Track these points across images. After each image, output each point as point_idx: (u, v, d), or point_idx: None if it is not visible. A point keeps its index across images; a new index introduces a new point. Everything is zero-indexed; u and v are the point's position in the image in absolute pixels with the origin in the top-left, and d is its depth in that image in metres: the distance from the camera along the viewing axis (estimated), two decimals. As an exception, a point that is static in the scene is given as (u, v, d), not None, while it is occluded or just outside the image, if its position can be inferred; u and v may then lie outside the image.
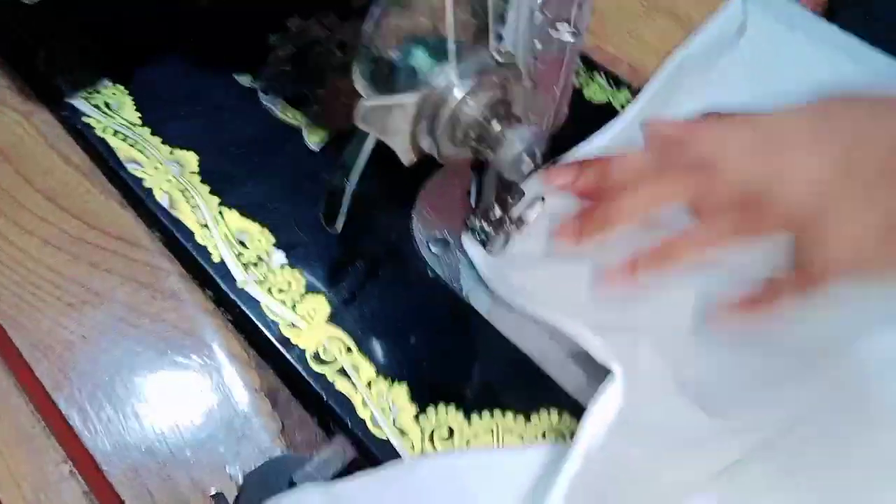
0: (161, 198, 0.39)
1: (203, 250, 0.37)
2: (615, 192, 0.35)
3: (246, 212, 0.39)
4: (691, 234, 0.34)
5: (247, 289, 0.36)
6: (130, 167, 0.40)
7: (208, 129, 0.42)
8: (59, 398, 0.35)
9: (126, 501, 0.32)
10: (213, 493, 0.32)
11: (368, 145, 0.30)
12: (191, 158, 0.41)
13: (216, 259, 0.37)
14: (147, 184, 0.40)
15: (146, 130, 0.41)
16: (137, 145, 0.41)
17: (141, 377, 0.35)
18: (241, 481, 0.32)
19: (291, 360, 0.34)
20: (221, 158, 0.41)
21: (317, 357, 0.34)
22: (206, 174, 0.40)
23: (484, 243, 0.36)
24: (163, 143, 0.41)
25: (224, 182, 0.40)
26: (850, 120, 0.34)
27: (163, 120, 0.42)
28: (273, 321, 0.35)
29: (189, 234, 0.38)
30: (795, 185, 0.34)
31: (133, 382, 0.35)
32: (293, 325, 0.35)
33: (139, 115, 0.42)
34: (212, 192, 0.39)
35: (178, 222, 0.38)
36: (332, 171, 0.31)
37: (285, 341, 0.35)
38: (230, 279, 0.36)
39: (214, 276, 0.37)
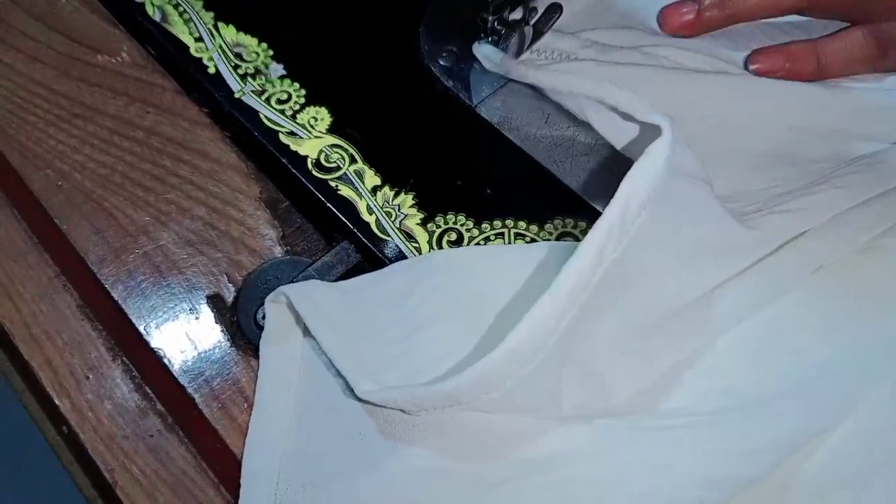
0: (153, 12, 0.37)
1: (198, 62, 0.35)
2: None
3: (243, 25, 0.36)
4: None
5: (244, 99, 0.34)
6: (121, -17, 0.38)
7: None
8: (51, 208, 0.33)
9: (124, 307, 0.31)
10: (209, 294, 0.31)
11: None
12: (184, -26, 0.38)
13: (212, 71, 0.35)
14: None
15: (136, -54, 0.39)
16: (128, -38, 0.39)
17: (134, 186, 0.33)
18: (240, 285, 0.31)
19: (291, 168, 0.33)
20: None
21: (318, 164, 0.33)
22: (201, -11, 0.38)
23: (496, 44, 0.34)
24: (154, -40, 0.39)
25: (220, -4, 0.38)
26: None
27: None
28: (271, 130, 0.33)
29: (183, 47, 0.36)
30: None
31: (126, 191, 0.33)
32: (293, 133, 0.33)
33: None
34: (206, 6, 0.37)
35: (171, 36, 0.36)
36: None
37: (285, 149, 0.33)
38: (226, 90, 0.34)
39: (210, 87, 0.34)
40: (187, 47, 0.36)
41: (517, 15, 0.34)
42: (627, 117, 0.26)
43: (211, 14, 0.37)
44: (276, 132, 0.33)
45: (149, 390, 0.31)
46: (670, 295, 0.25)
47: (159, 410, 0.31)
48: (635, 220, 0.23)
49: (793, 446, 0.24)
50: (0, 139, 0.34)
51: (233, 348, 0.30)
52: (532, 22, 0.34)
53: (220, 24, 0.36)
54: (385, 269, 0.29)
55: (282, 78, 0.35)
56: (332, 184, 0.32)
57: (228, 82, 0.35)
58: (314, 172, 0.32)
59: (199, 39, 0.36)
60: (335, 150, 0.33)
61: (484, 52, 0.34)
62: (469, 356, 0.25)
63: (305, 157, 0.33)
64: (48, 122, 0.35)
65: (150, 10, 0.37)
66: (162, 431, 0.30)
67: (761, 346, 0.26)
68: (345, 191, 0.32)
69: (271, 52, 0.36)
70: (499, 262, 0.28)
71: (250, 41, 0.36)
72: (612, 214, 0.22)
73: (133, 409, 0.31)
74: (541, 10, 0.35)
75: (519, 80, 0.32)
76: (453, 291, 0.28)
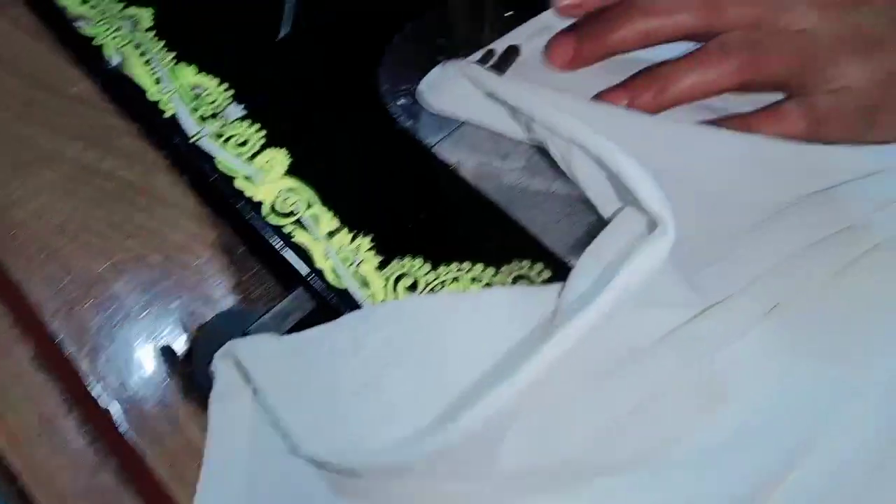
0: (111, 56, 0.36)
1: (155, 105, 0.35)
2: (624, 7, 0.32)
3: (203, 67, 0.36)
4: (693, 65, 0.32)
5: (200, 143, 0.34)
6: (79, 25, 0.38)
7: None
8: (6, 258, 0.33)
9: (72, 358, 0.31)
10: (162, 346, 0.30)
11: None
12: (145, 14, 0.38)
13: (169, 114, 0.35)
14: (97, 42, 0.37)
15: (96, -14, 0.39)
16: (88, 1, 0.38)
17: (90, 234, 0.33)
18: (194, 335, 0.31)
19: (247, 214, 0.32)
20: (177, 12, 0.38)
21: (274, 209, 0.32)
22: (162, 29, 0.37)
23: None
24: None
25: (180, 37, 0.37)
26: None
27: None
28: (228, 174, 0.33)
29: (141, 90, 0.35)
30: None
31: (82, 239, 0.33)
32: (249, 178, 0.33)
33: (89, -29, 0.39)
34: (167, 47, 0.37)
35: (128, 79, 0.36)
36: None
37: (240, 194, 0.32)
38: (183, 134, 0.34)
39: (167, 131, 0.34)
40: (145, 91, 0.35)
41: (476, 58, 0.34)
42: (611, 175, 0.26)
43: (172, 55, 0.36)
44: (232, 177, 0.33)
45: (102, 446, 0.30)
46: (617, 345, 0.24)
47: (112, 467, 0.30)
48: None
49: (744, 500, 0.24)
50: (-44, 187, 0.34)
51: (186, 403, 0.30)
52: (488, 65, 0.33)
53: (181, 65, 0.36)
54: (335, 322, 0.28)
55: (241, 119, 0.34)
56: (288, 230, 0.32)
57: (186, 125, 0.34)
58: (269, 218, 0.32)
59: (158, 81, 0.36)
60: (292, 193, 0.33)
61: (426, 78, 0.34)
62: (418, 421, 0.24)
63: (261, 203, 0.32)
64: (4, 167, 0.35)
65: (108, 51, 0.37)
66: (114, 489, 0.29)
67: (710, 393, 0.25)
68: (301, 236, 0.31)
69: (231, 93, 0.35)
70: (451, 314, 0.27)
71: (210, 82, 0.36)
72: (601, 306, 0.22)
73: (86, 466, 0.30)
74: (498, 53, 0.35)
75: (508, 102, 0.30)
76: (402, 346, 0.27)
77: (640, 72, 0.32)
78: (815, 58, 0.31)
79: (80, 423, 0.31)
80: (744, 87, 0.32)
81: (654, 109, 0.32)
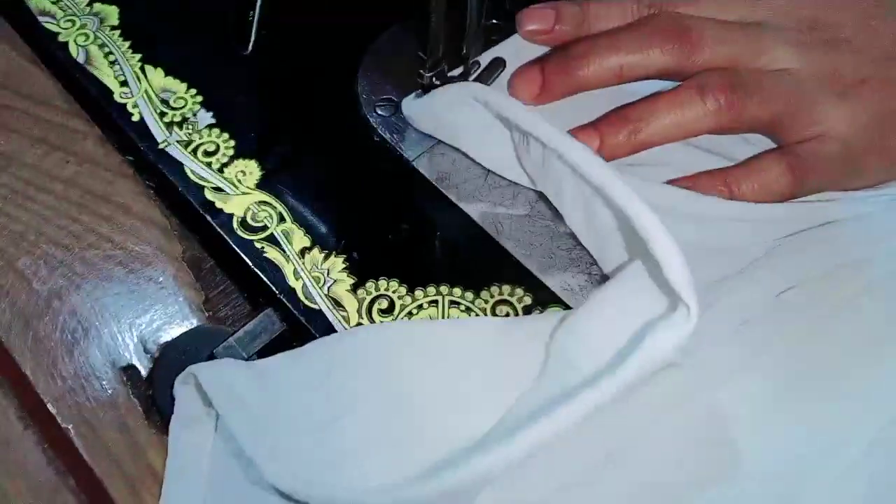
0: (77, 53, 0.35)
1: (121, 109, 0.33)
2: (594, 42, 0.31)
3: (171, 70, 0.35)
4: (669, 106, 0.31)
5: (168, 150, 0.32)
6: (43, 20, 0.36)
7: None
8: (-41, 267, 0.31)
9: (29, 375, 0.29)
10: (123, 365, 0.29)
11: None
12: (111, 12, 0.36)
13: (136, 118, 0.33)
14: (62, 38, 0.35)
15: (61, -20, 0.37)
16: (52, -3, 0.36)
17: (49, 244, 0.31)
18: (156, 355, 0.30)
19: (216, 227, 0.31)
20: (145, 13, 0.36)
21: (244, 223, 0.31)
22: (128, 29, 0.36)
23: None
24: (81, -5, 0.37)
25: (148, 38, 0.35)
26: None
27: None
28: (196, 184, 0.32)
29: (106, 92, 0.34)
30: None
31: (40, 249, 0.31)
32: (219, 189, 0.32)
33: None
34: (133, 48, 0.35)
35: (94, 79, 0.34)
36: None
37: (209, 206, 0.31)
38: (150, 139, 0.33)
39: (133, 136, 0.33)
40: (111, 92, 0.34)
41: (457, 71, 0.32)
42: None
43: (138, 56, 0.35)
44: (202, 187, 0.32)
45: (61, 465, 0.29)
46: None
47: (72, 487, 0.29)
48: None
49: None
50: None
51: (147, 427, 0.28)
52: (472, 77, 0.32)
53: (148, 68, 0.35)
54: (304, 348, 0.27)
55: (210, 127, 0.33)
56: (259, 245, 0.30)
57: (153, 131, 0.33)
58: (239, 232, 0.31)
59: (125, 83, 0.34)
60: (263, 207, 0.31)
61: (407, 102, 0.33)
62: (387, 460, 0.23)
63: (231, 216, 0.31)
64: (-40, 172, 0.33)
65: (73, 50, 0.35)
66: (72, 512, 0.28)
67: (701, 439, 0.25)
68: (271, 253, 0.30)
69: (200, 99, 0.34)
70: (423, 345, 0.26)
71: (179, 86, 0.34)
72: (610, 387, 0.22)
73: (46, 484, 0.29)
74: (483, 65, 0.34)
75: (521, 126, 0.28)
76: (371, 381, 0.26)
77: (613, 110, 0.31)
78: (796, 100, 0.29)
79: (39, 441, 0.29)
80: (723, 130, 0.31)
81: (627, 151, 0.31)
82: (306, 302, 0.29)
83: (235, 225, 0.31)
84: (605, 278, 0.30)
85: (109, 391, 0.29)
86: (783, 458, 0.24)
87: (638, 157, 0.31)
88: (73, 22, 0.36)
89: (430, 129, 0.32)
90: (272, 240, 0.31)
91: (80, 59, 0.35)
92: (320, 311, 0.29)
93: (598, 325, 0.26)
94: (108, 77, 0.34)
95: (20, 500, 0.28)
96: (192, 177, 0.32)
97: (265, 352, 0.29)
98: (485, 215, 0.31)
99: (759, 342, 0.26)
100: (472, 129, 0.30)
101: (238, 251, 0.30)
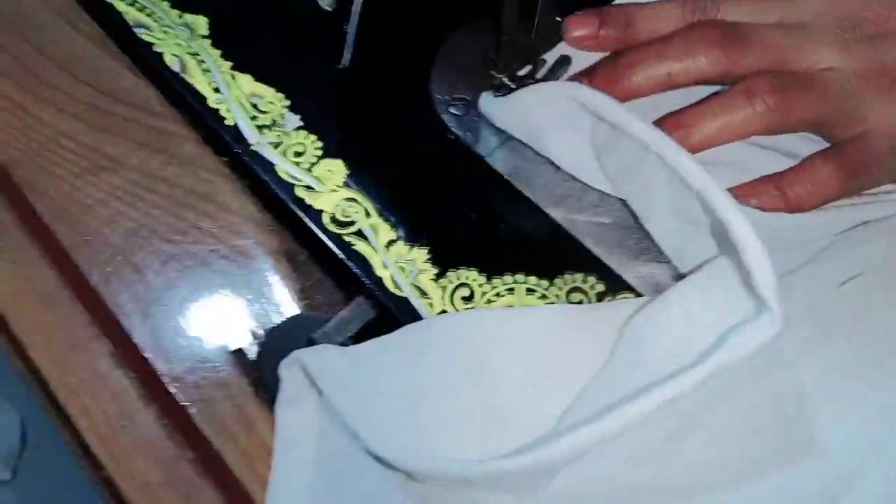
0: (172, 62, 0.38)
1: (215, 113, 0.36)
2: (641, 51, 0.33)
3: (259, 75, 0.37)
4: (719, 109, 0.32)
5: (261, 151, 0.35)
6: (140, 32, 0.39)
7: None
8: (81, 262, 0.35)
9: (149, 359, 0.33)
10: (233, 349, 0.32)
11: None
12: (200, 22, 0.39)
13: (229, 122, 0.36)
14: (157, 48, 0.38)
15: (154, -7, 0.40)
16: (146, 10, 0.39)
17: (160, 240, 0.35)
18: (262, 339, 0.33)
19: (308, 222, 0.34)
20: (232, 21, 0.39)
21: (334, 219, 0.34)
22: (217, 37, 0.38)
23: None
24: (171, 6, 0.39)
25: (236, 45, 0.38)
26: None
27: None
28: (288, 183, 0.34)
29: (201, 98, 0.37)
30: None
31: (152, 245, 0.35)
32: (309, 187, 0.34)
33: (146, -23, 0.40)
34: (223, 55, 0.38)
35: (189, 86, 0.37)
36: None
37: (301, 203, 0.34)
38: (244, 142, 0.35)
39: (227, 139, 0.36)
40: (205, 98, 0.37)
41: (526, 70, 0.34)
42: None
43: (229, 63, 0.38)
44: (293, 185, 0.34)
45: (180, 438, 0.33)
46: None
47: (190, 458, 0.33)
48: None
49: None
50: (31, 193, 0.36)
51: (258, 404, 0.32)
52: (539, 76, 0.34)
53: (237, 74, 0.37)
54: (394, 335, 0.30)
55: (298, 129, 0.36)
56: (348, 239, 0.33)
57: (245, 133, 0.36)
58: (330, 227, 0.33)
59: (217, 90, 0.37)
60: (350, 203, 0.34)
61: (484, 101, 0.35)
62: (478, 433, 0.26)
63: (321, 212, 0.34)
64: (76, 175, 0.36)
65: (168, 59, 0.38)
66: (194, 480, 0.32)
67: (768, 414, 0.27)
68: (360, 246, 0.33)
69: (287, 103, 0.37)
70: (503, 328, 0.29)
71: (267, 91, 0.37)
72: (689, 379, 0.24)
73: (166, 456, 0.33)
74: (549, 63, 0.35)
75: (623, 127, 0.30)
76: (457, 360, 0.29)
77: (666, 115, 0.33)
78: (842, 98, 0.30)
79: (159, 417, 0.33)
80: (772, 131, 0.32)
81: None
82: (394, 290, 0.32)
83: (326, 220, 0.34)
84: (674, 268, 0.32)
85: (222, 372, 0.32)
86: (855, 437, 0.26)
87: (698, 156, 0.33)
88: (167, 32, 0.39)
89: (510, 126, 0.34)
90: (360, 234, 0.33)
91: (176, 68, 0.37)
92: (407, 298, 0.32)
93: (679, 317, 0.28)
94: (202, 84, 0.37)
95: (144, 469, 0.32)
96: (283, 176, 0.35)
97: (359, 337, 0.32)
98: (556, 206, 0.34)
99: (827, 326, 0.27)
100: (552, 128, 0.32)
101: (329, 245, 0.33)
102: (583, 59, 0.36)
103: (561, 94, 0.31)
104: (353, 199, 0.34)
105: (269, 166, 0.35)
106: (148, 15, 0.39)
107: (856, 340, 0.28)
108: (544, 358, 0.30)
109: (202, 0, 0.39)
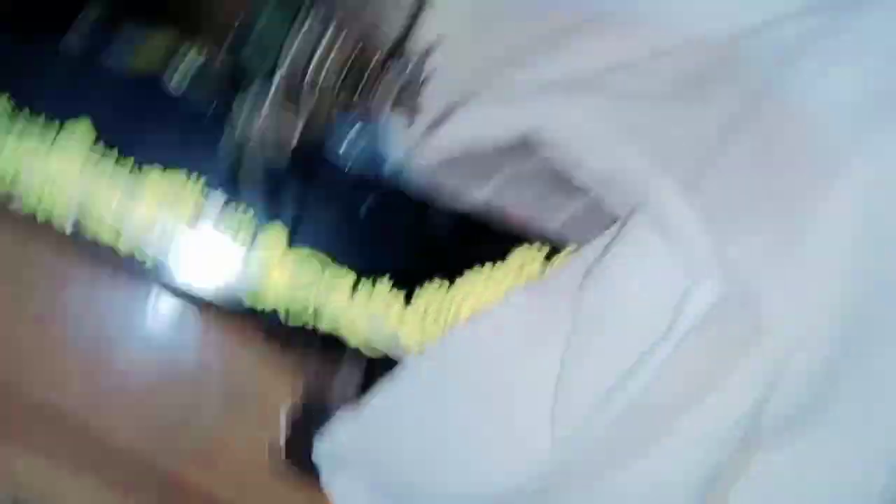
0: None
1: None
2: None
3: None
4: None
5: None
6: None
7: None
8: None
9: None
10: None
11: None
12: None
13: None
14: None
15: None
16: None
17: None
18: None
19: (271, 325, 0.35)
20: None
21: (288, 312, 0.34)
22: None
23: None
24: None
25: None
26: None
27: None
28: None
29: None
30: None
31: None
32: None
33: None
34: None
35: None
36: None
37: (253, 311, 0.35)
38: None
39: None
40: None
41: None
42: None
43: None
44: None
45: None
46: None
47: None
48: None
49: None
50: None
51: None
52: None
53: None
54: (390, 386, 0.33)
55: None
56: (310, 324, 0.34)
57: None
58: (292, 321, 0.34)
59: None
60: (298, 290, 0.34)
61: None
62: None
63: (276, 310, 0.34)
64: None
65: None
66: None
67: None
68: (325, 322, 0.34)
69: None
70: (483, 342, 0.32)
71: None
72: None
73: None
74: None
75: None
76: (451, 388, 0.33)
77: None
78: None
79: None
80: None
81: None
82: (373, 353, 0.34)
83: (283, 317, 0.34)
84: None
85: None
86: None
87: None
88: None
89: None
90: (318, 312, 0.34)
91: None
92: (386, 356, 0.34)
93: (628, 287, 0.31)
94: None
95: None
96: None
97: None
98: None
99: None
100: None
101: (296, 339, 0.35)
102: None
103: None
104: (303, 261, 0.34)
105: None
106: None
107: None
108: (523, 354, 0.33)
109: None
